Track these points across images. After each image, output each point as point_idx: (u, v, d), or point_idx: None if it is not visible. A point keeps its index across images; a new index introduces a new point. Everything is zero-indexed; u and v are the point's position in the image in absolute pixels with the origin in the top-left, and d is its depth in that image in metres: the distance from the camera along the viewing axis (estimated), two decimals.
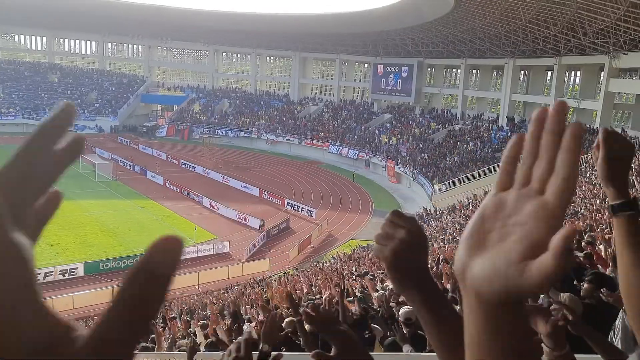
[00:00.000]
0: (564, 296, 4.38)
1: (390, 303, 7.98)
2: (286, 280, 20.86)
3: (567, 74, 46.74)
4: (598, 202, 19.21)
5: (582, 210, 18.11)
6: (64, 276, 26.61)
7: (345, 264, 24.63)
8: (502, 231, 0.63)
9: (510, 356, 0.64)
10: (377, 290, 9.57)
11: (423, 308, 1.05)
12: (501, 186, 0.67)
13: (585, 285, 4.70)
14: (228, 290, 24.61)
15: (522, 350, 0.65)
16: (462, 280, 0.67)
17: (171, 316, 15.81)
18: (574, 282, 5.63)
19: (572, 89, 48.62)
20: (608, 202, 1.48)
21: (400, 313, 5.82)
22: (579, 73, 46.67)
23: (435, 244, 20.73)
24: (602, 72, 39.31)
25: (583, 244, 8.59)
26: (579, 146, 0.60)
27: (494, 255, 0.62)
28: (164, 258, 0.43)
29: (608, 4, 29.51)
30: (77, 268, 27.24)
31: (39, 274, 25.75)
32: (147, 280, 0.43)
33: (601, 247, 8.33)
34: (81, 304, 23.90)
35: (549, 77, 49.07)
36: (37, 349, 0.40)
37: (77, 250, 30.33)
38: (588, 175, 28.38)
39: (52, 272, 26.42)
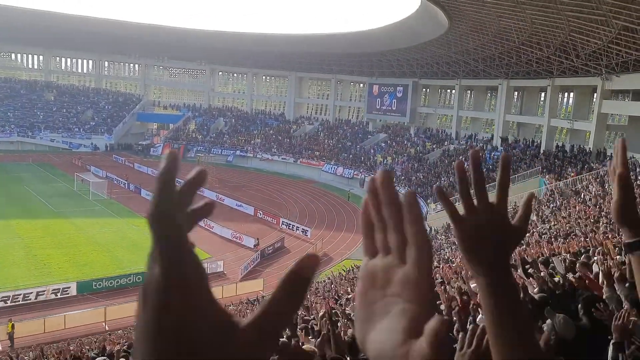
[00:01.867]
0: (559, 317, 4.39)
1: None
2: None
3: (560, 95, 47.14)
4: (592, 222, 19.28)
5: (576, 231, 18.16)
6: (56, 295, 26.31)
7: (339, 285, 24.53)
8: (383, 302, 0.65)
9: None
10: None
11: (486, 294, 1.02)
12: (368, 252, 0.70)
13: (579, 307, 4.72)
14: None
15: None
16: (364, 350, 0.68)
17: None
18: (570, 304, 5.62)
19: (565, 109, 48.99)
20: (623, 241, 1.55)
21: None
22: (572, 94, 47.09)
23: None
24: (595, 94, 39.65)
25: (577, 265, 8.60)
26: (418, 215, 0.65)
27: (382, 332, 0.63)
28: (308, 264, 0.56)
29: (600, 27, 29.90)
30: (69, 287, 26.95)
31: (31, 293, 25.59)
32: (295, 282, 0.56)
33: (595, 266, 8.33)
34: (73, 324, 23.64)
35: (542, 98, 49.49)
36: (212, 329, 0.53)
37: (70, 269, 30.07)
38: (582, 196, 28.50)
39: (44, 291, 26.16)
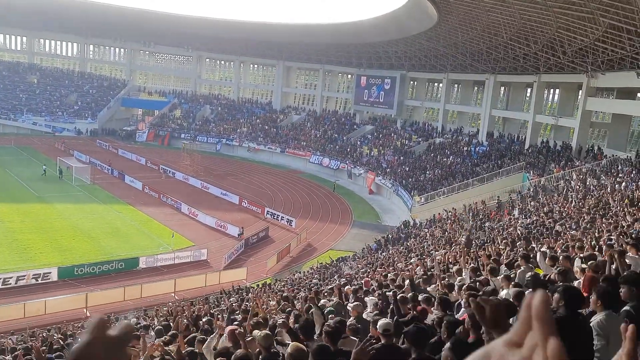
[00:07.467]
0: None
1: (366, 314, 7.98)
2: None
3: (546, 91, 47.47)
4: (572, 219, 19.52)
5: (558, 228, 18.35)
6: (37, 280, 26.08)
7: (323, 276, 24.61)
8: None
9: None
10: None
11: None
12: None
13: (555, 295, 4.71)
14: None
15: None
16: None
17: (143, 324, 15.52)
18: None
19: (550, 106, 49.38)
20: None
21: (378, 324, 5.83)
22: (557, 91, 47.47)
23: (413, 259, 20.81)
24: (580, 91, 39.99)
25: (560, 259, 8.68)
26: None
27: None
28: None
29: (587, 25, 30.10)
30: (50, 272, 26.70)
31: (11, 277, 25.27)
32: None
33: (577, 261, 8.44)
34: (54, 309, 23.43)
35: (528, 94, 49.82)
36: None
37: (52, 254, 29.79)
38: (565, 191, 28.81)
39: (24, 276, 25.91)
